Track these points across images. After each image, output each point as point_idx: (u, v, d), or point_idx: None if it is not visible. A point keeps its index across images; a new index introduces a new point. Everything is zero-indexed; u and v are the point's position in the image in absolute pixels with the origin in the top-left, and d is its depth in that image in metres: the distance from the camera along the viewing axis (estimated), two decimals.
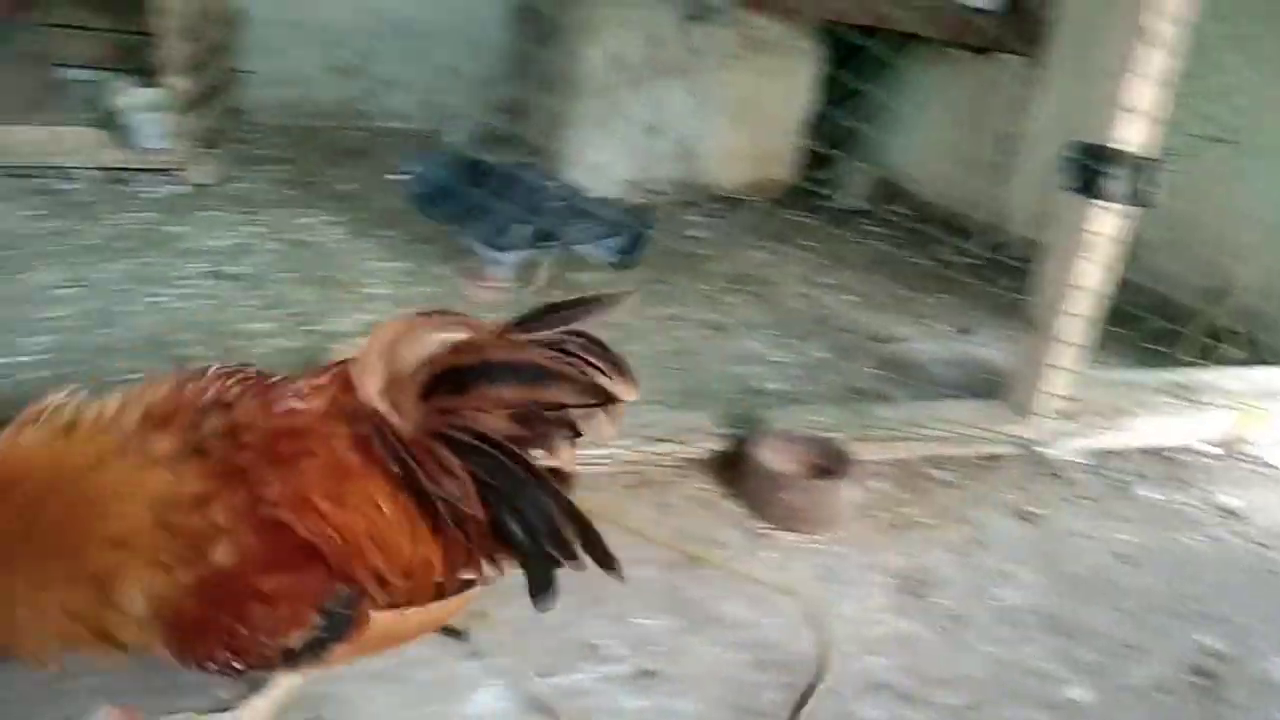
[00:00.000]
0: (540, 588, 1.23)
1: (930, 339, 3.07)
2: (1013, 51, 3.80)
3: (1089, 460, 2.41)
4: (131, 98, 3.62)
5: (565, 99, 3.97)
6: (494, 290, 2.88)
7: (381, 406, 1.18)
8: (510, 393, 1.18)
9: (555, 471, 1.23)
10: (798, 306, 3.21)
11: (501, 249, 2.82)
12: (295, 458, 1.15)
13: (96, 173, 3.54)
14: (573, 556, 1.20)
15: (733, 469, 2.15)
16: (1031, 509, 2.20)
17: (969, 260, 3.82)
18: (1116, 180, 2.11)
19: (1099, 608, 1.91)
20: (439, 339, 1.19)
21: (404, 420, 1.18)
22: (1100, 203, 2.13)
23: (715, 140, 4.10)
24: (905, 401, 2.51)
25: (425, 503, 1.20)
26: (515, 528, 1.20)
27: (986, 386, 2.62)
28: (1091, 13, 3.47)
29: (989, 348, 3.04)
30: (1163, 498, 2.31)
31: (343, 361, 1.23)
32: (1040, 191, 3.74)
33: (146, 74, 4.03)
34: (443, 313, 1.24)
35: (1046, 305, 2.30)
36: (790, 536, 1.98)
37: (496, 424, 1.19)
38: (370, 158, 4.16)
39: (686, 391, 2.56)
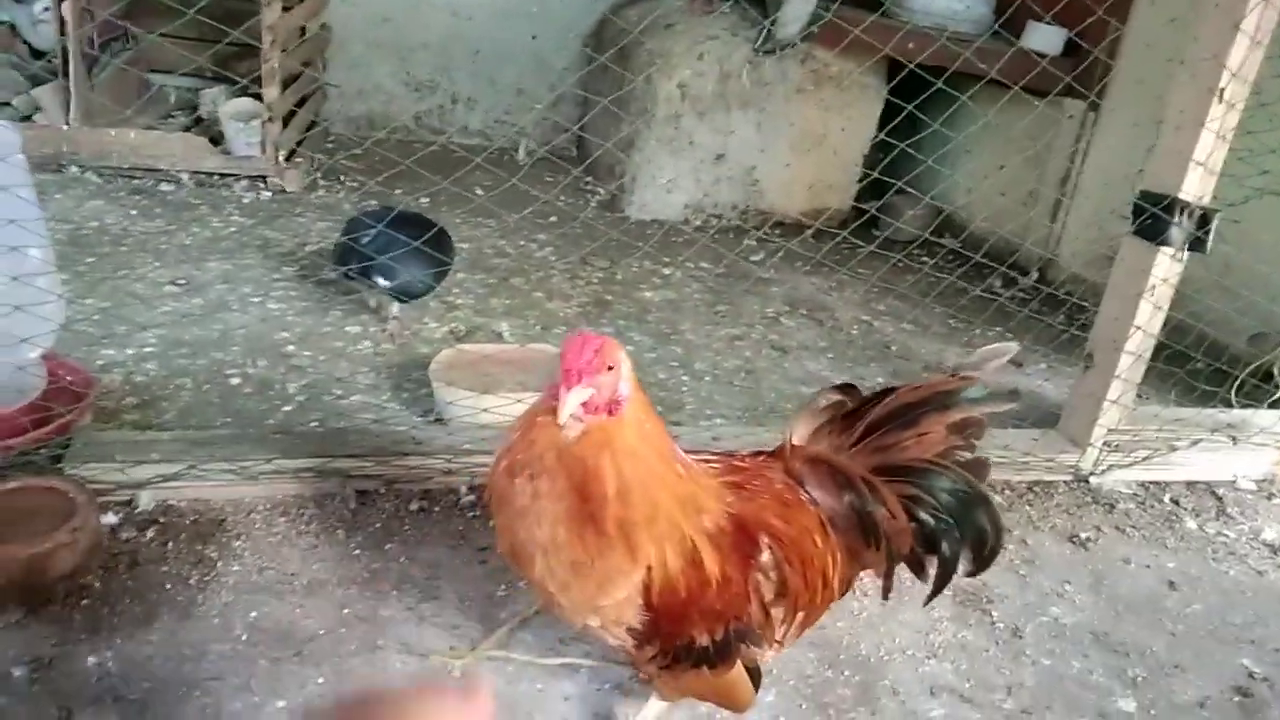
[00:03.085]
0: (940, 587, 1.53)
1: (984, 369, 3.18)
2: (1070, 94, 3.91)
3: (1138, 491, 2.53)
4: (228, 107, 3.84)
5: (636, 124, 4.13)
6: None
7: (822, 450, 1.52)
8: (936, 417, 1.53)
9: (975, 463, 1.57)
10: (855, 332, 3.34)
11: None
12: (750, 489, 1.46)
13: (189, 177, 3.75)
14: (983, 566, 1.54)
15: None
16: (1083, 534, 2.31)
17: (1019, 292, 3.94)
18: (1178, 228, 2.23)
19: (1147, 629, 2.02)
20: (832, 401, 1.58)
21: (845, 459, 1.51)
22: (1162, 248, 2.26)
23: (777, 169, 4.25)
24: None
25: (864, 525, 1.48)
26: (946, 539, 1.51)
27: (1037, 416, 2.74)
28: (1149, 61, 3.59)
29: (1039, 379, 3.16)
30: (1208, 530, 2.42)
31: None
32: (1090, 229, 3.87)
33: (237, 84, 4.26)
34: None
35: (1103, 342, 2.42)
36: None
37: (931, 446, 1.53)
38: (442, 170, 4.35)
39: (752, 408, 2.70)
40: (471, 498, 2.09)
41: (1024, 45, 3.92)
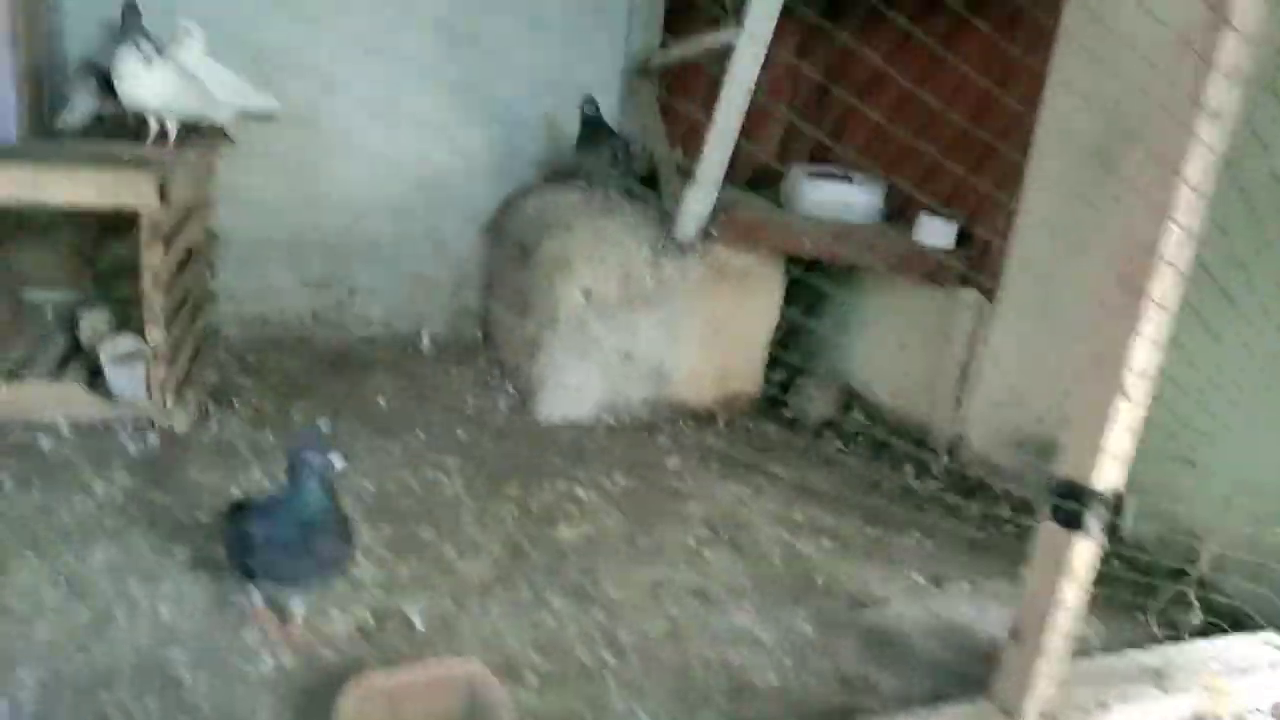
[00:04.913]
0: None
1: (907, 597, 3.15)
2: (965, 283, 4.01)
3: None
4: (108, 346, 3.63)
5: (541, 326, 4.06)
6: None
7: None
8: None
9: None
10: (777, 561, 3.29)
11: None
12: None
13: (69, 428, 3.52)
14: None
15: None
16: None
17: (931, 480, 3.97)
18: (1095, 516, 2.25)
19: None
20: None
21: None
22: (1078, 535, 2.26)
23: (685, 361, 4.23)
24: (893, 698, 2.60)
25: None
26: None
27: (965, 657, 2.74)
28: (1042, 253, 3.70)
29: (962, 602, 3.15)
30: None
31: None
32: (994, 412, 3.93)
33: (117, 303, 4.06)
34: None
35: (1029, 619, 2.41)
36: None
37: None
38: (343, 373, 4.22)
39: (682, 694, 2.60)
40: None
41: (915, 238, 4.00)
